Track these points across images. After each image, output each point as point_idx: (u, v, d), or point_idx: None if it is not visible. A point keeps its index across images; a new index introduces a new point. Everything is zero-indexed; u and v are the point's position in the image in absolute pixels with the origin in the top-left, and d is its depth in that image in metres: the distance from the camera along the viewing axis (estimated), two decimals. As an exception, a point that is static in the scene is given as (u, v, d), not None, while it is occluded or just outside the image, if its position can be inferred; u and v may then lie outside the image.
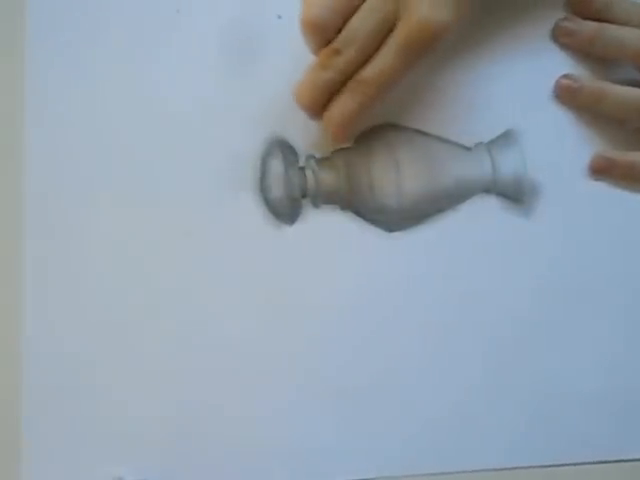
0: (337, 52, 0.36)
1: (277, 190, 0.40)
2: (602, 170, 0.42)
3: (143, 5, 0.42)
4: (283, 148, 0.41)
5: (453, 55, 0.42)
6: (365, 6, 0.36)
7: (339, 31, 0.37)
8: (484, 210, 0.42)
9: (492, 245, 0.41)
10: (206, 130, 0.41)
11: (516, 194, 0.42)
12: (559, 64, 0.43)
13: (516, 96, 0.42)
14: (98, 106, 0.41)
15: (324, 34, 0.37)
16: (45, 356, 0.39)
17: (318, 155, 0.41)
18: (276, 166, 0.40)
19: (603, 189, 0.42)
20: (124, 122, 0.41)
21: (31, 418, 0.39)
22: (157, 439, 0.39)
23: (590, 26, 0.42)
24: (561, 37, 0.43)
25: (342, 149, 0.41)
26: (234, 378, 0.40)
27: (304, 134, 0.41)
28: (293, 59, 0.40)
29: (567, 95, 0.42)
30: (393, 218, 0.41)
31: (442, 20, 0.36)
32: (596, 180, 0.42)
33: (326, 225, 0.41)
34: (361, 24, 0.36)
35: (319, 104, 0.38)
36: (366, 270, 0.41)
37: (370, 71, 0.37)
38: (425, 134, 0.42)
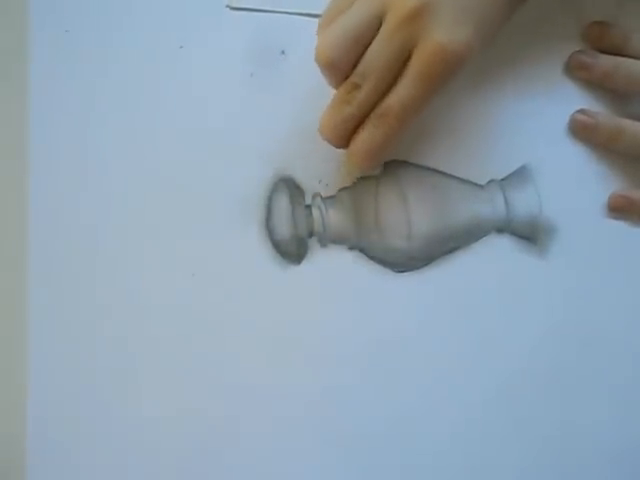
0: (356, 86, 0.36)
1: (283, 229, 0.40)
2: (621, 209, 0.41)
3: (146, 41, 0.41)
4: (289, 186, 0.40)
5: (464, 89, 0.41)
6: (380, 37, 0.35)
7: (356, 63, 0.36)
8: (497, 250, 0.40)
9: (505, 287, 0.40)
10: (211, 169, 0.40)
11: (530, 234, 0.40)
12: (574, 98, 0.42)
13: (530, 132, 0.41)
14: (101, 141, 0.41)
15: (340, 70, 0.36)
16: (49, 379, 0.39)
17: (325, 193, 0.40)
18: (282, 205, 0.40)
19: (622, 228, 0.41)
20: (127, 158, 0.40)
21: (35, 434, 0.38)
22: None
23: (607, 60, 0.41)
24: (576, 70, 0.42)
25: (349, 187, 0.40)
26: (234, 421, 0.39)
27: (311, 172, 0.40)
28: (298, 97, 0.40)
29: (583, 132, 0.41)
30: (402, 258, 0.40)
31: (460, 44, 0.35)
32: (615, 219, 0.41)
33: (333, 265, 0.40)
34: (377, 55, 0.35)
35: (343, 137, 0.37)
36: (374, 312, 0.40)
37: (391, 102, 0.36)
38: (435, 171, 0.41)
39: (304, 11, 0.39)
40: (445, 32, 0.35)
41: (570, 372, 0.40)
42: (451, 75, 0.36)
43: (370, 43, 0.36)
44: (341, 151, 0.39)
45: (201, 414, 0.39)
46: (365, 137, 0.37)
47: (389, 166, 0.40)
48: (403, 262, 0.40)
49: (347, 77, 0.36)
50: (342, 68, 0.36)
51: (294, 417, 0.39)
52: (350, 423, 0.39)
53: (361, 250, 0.40)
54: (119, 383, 0.39)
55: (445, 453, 0.39)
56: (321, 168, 0.40)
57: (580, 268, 0.40)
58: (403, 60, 0.35)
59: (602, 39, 0.42)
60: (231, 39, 0.41)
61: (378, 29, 0.35)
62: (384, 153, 0.38)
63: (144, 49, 0.41)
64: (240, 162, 0.40)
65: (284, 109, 0.38)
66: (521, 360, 0.40)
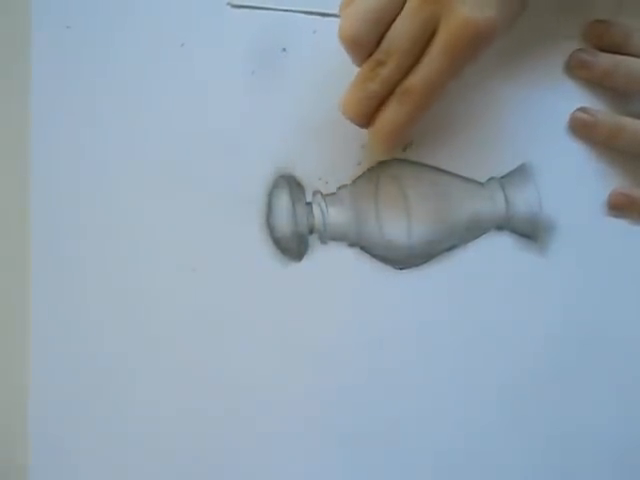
0: (380, 63, 0.36)
1: (284, 226, 0.40)
2: (621, 207, 0.41)
3: (147, 39, 0.41)
4: (290, 184, 0.40)
5: (464, 86, 0.41)
6: (403, 13, 0.35)
7: (380, 41, 0.36)
8: (497, 248, 0.40)
9: (505, 284, 0.40)
10: (212, 166, 0.41)
11: (531, 231, 0.40)
12: (575, 96, 0.42)
13: (530, 129, 0.41)
14: (102, 139, 0.41)
15: (364, 47, 0.36)
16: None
17: (325, 191, 0.40)
18: (283, 202, 0.40)
19: (622, 226, 0.41)
20: (128, 156, 0.41)
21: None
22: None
23: (607, 58, 0.41)
24: (577, 69, 0.42)
25: (349, 185, 0.40)
26: (234, 419, 0.39)
27: (311, 170, 0.40)
28: (299, 94, 0.40)
29: (582, 130, 0.41)
30: (402, 255, 0.40)
31: (485, 20, 0.35)
32: (615, 217, 0.41)
33: (334, 262, 0.40)
34: (401, 32, 0.35)
35: (366, 115, 0.37)
36: (374, 308, 0.40)
37: (415, 79, 0.36)
38: (435, 169, 0.41)
39: (305, 9, 0.39)
40: (470, 8, 0.35)
41: (570, 370, 0.39)
42: (476, 51, 0.36)
43: (393, 20, 0.35)
44: (341, 149, 0.39)
45: (201, 414, 0.39)
46: (389, 115, 0.37)
47: (389, 164, 0.41)
48: (403, 259, 0.40)
49: (370, 55, 0.36)
50: (365, 45, 0.36)
51: (294, 415, 0.39)
52: (350, 421, 0.39)
53: (361, 247, 0.40)
54: (119, 383, 0.39)
55: (446, 453, 0.39)
56: (321, 165, 0.40)
57: (580, 266, 0.40)
58: (427, 37, 0.35)
59: (602, 37, 0.42)
60: (232, 37, 0.41)
61: (401, 7, 0.35)
62: (408, 132, 0.38)
63: (145, 47, 0.41)
64: (241, 159, 0.40)
65: (285, 107, 0.38)
66: (521, 357, 0.39)
